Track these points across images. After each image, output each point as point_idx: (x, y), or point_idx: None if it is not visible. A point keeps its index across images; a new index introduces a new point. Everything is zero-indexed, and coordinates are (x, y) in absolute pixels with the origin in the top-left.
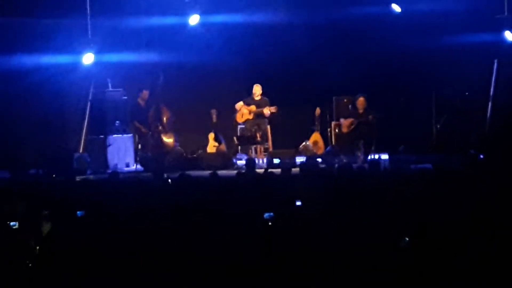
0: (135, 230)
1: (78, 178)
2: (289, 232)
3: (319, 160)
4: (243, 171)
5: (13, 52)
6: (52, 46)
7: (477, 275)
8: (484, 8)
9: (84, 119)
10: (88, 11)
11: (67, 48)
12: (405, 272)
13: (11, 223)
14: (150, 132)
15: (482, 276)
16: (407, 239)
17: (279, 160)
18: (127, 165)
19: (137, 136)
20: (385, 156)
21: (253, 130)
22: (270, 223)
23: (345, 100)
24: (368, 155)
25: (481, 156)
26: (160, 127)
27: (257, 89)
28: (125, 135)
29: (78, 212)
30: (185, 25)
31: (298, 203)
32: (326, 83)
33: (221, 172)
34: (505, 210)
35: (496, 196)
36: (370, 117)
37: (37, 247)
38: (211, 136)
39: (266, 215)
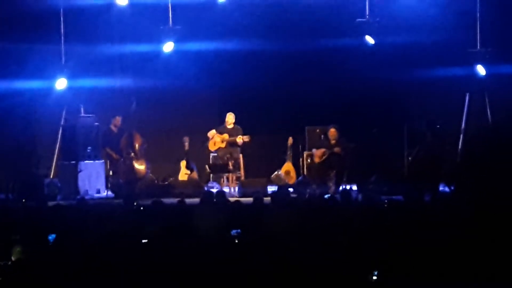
0: (105, 256)
1: (49, 204)
2: (259, 259)
3: (291, 189)
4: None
5: None
6: (25, 70)
7: None
8: (457, 42)
9: (55, 144)
10: (62, 37)
11: (40, 73)
12: None
13: None
14: (122, 159)
15: None
16: (376, 273)
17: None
18: (98, 192)
19: (108, 162)
20: (356, 187)
21: (225, 158)
22: (236, 241)
23: (318, 130)
24: (339, 186)
25: (451, 188)
26: (132, 154)
27: (230, 118)
28: (96, 161)
29: (50, 236)
30: (159, 52)
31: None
32: (299, 112)
33: (192, 200)
34: (477, 240)
35: (467, 227)
36: (336, 149)
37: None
38: (183, 163)
39: (233, 232)
